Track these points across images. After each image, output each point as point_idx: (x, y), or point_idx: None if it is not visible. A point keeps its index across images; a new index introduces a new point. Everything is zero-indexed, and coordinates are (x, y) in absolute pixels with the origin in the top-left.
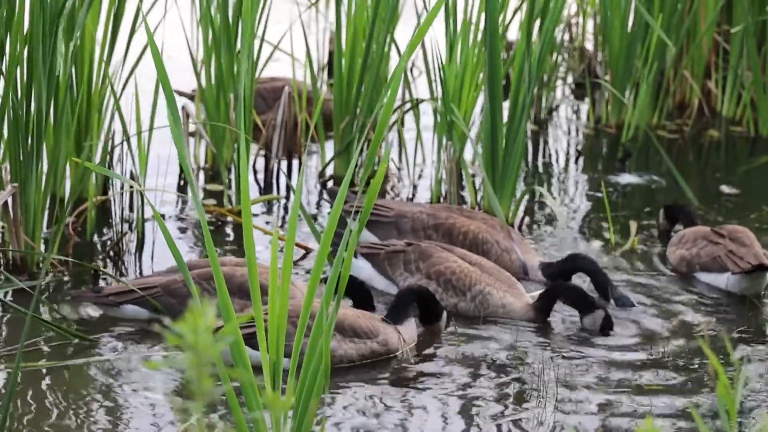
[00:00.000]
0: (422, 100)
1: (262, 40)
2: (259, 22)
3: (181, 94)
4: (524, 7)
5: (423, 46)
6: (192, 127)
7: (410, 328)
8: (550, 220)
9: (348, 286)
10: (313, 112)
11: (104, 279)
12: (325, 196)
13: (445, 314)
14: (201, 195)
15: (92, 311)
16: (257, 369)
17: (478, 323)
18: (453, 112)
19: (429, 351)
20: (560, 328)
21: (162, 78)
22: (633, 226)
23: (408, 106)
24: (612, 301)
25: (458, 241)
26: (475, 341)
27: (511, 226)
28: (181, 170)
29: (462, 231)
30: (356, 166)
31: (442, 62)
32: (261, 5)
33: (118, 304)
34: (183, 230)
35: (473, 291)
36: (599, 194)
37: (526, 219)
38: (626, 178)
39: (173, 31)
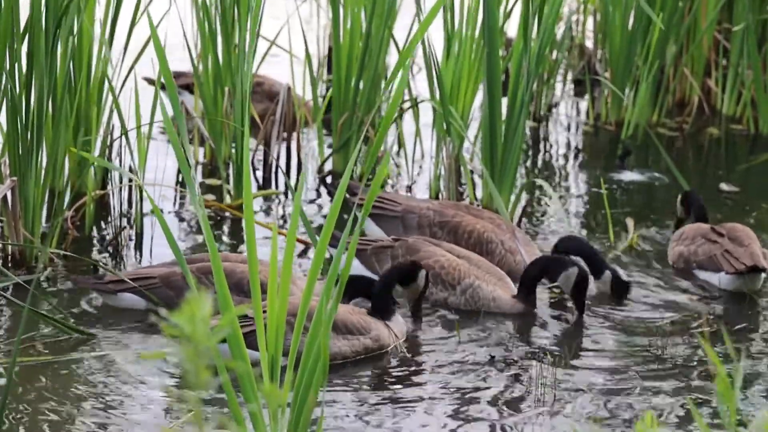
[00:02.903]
0: (421, 101)
1: (258, 34)
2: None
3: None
4: (522, 2)
5: (422, 42)
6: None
7: (399, 323)
8: (550, 215)
9: (357, 286)
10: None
11: (104, 273)
12: (324, 191)
13: (423, 274)
14: (199, 189)
15: (90, 306)
16: (255, 365)
17: (473, 320)
18: (451, 114)
19: (424, 348)
20: (557, 325)
21: (163, 69)
22: (630, 223)
23: (407, 105)
24: (609, 274)
25: (463, 240)
26: (471, 338)
27: (516, 226)
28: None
29: (467, 230)
30: (355, 162)
31: (439, 59)
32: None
33: (116, 292)
34: (182, 225)
35: (463, 285)
36: (599, 191)
37: (525, 216)
38: (626, 176)
39: (171, 25)
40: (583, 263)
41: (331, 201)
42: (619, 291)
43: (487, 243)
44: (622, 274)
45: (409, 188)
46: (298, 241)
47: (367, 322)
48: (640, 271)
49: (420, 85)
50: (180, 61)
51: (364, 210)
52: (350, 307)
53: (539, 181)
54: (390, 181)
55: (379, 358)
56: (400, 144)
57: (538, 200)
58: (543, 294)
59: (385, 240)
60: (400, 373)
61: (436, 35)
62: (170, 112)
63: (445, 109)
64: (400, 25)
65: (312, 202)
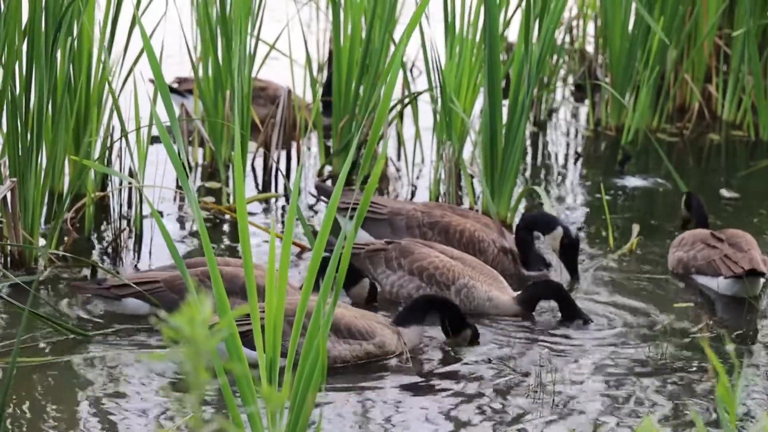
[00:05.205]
0: (421, 92)
1: (258, 38)
2: (255, 20)
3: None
4: (523, 7)
5: (423, 45)
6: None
7: (414, 333)
8: None
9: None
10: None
11: (104, 278)
12: (315, 192)
13: (469, 332)
14: (197, 192)
15: (90, 307)
16: (253, 366)
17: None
18: (453, 102)
19: (424, 351)
20: (557, 327)
21: (157, 78)
22: (635, 228)
23: (407, 102)
24: (560, 230)
25: (454, 240)
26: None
27: (503, 224)
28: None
29: (458, 230)
30: (353, 163)
31: (441, 62)
32: (257, 2)
33: (120, 297)
34: (182, 227)
35: (457, 285)
36: (598, 196)
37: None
38: (626, 181)
39: (172, 27)
40: (586, 315)
41: (318, 201)
42: (570, 249)
43: (479, 242)
44: (573, 231)
45: (412, 198)
46: (295, 244)
47: (372, 328)
48: (640, 276)
49: (420, 89)
50: (182, 65)
51: (360, 209)
52: (359, 311)
53: (536, 189)
54: (387, 184)
55: (379, 361)
56: (400, 143)
57: (536, 206)
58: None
59: (378, 243)
60: (398, 376)
61: (437, 39)
62: (165, 119)
63: (445, 98)
64: (400, 29)
65: (311, 205)
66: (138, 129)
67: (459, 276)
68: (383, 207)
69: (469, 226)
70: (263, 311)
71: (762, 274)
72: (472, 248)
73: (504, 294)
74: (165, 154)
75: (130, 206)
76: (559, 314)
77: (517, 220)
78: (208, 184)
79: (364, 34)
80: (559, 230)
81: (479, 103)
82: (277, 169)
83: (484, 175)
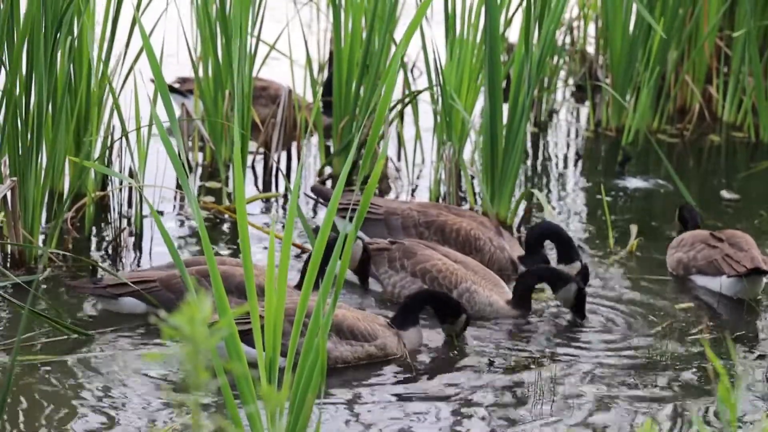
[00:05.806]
0: (421, 91)
1: (258, 38)
2: (255, 20)
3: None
4: (524, 7)
5: (423, 46)
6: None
7: (413, 335)
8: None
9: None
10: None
11: (102, 274)
12: (312, 193)
13: (464, 317)
14: (197, 192)
15: (89, 307)
16: (253, 366)
17: (471, 325)
18: (453, 99)
19: (424, 353)
20: (555, 330)
21: (157, 78)
22: (633, 229)
23: (407, 101)
24: (578, 264)
25: (450, 239)
26: (470, 342)
27: (502, 224)
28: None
29: (454, 228)
30: (353, 164)
31: (441, 63)
32: (257, 2)
33: (116, 296)
34: (182, 227)
35: (459, 289)
36: (599, 197)
37: (525, 220)
38: (626, 182)
39: (172, 25)
40: (578, 280)
41: (316, 203)
42: (580, 301)
43: (475, 240)
44: (587, 263)
45: (413, 192)
46: (295, 245)
47: (374, 330)
48: (640, 277)
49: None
50: (182, 64)
51: (360, 211)
52: (361, 313)
53: (535, 192)
54: (388, 184)
55: (379, 363)
56: (400, 143)
57: (537, 207)
58: (540, 295)
59: (382, 242)
60: (398, 377)
61: (438, 39)
62: (164, 119)
63: (446, 96)
64: (400, 30)
65: (312, 206)
66: (138, 129)
67: (461, 280)
68: (379, 207)
69: (465, 225)
70: (262, 310)
71: (765, 273)
72: (468, 247)
73: (504, 298)
74: (165, 154)
75: (130, 206)
76: (558, 315)
77: (517, 221)
78: (208, 184)
79: (364, 35)
80: (573, 286)
81: (479, 103)
82: (278, 169)
83: (483, 175)
